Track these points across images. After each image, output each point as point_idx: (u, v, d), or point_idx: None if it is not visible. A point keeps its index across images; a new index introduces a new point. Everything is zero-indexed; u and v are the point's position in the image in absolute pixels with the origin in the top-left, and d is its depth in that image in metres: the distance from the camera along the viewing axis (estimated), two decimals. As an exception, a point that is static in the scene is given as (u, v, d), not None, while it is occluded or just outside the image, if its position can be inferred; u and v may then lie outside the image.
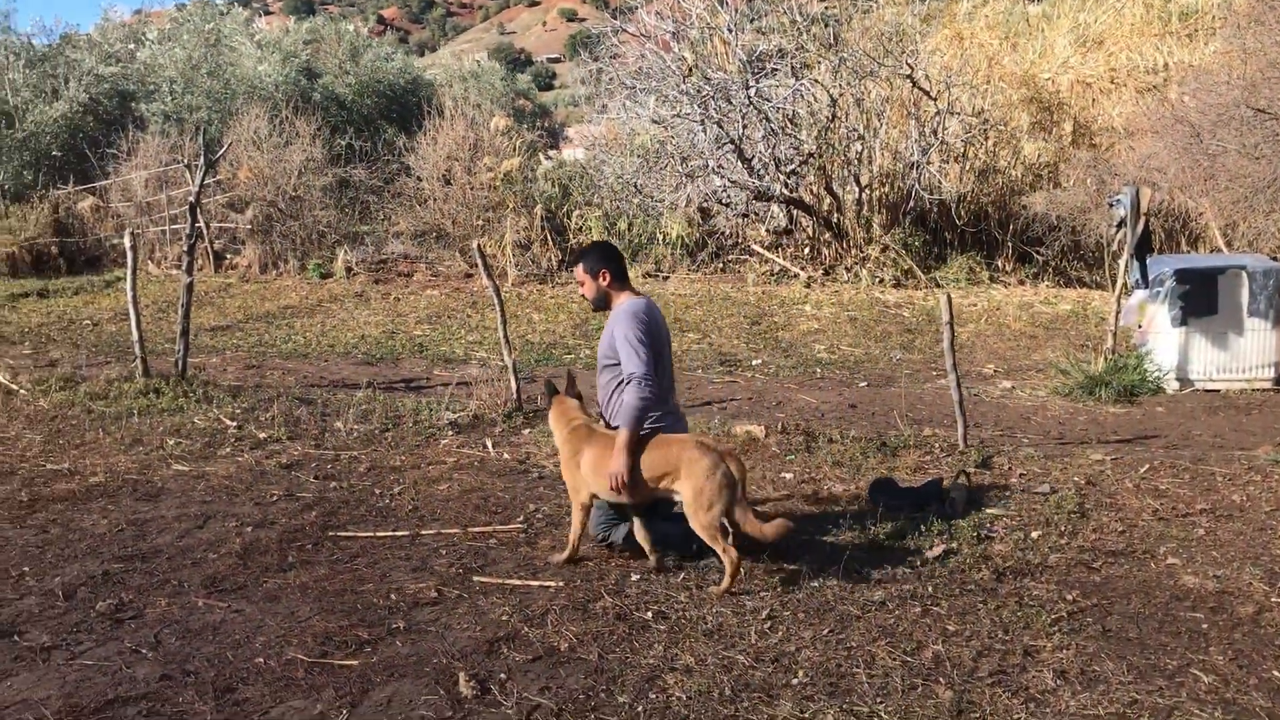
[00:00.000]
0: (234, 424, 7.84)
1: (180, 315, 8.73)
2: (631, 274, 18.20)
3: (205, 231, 18.50)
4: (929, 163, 17.49)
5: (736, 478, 4.79)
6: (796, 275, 18.04)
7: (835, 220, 18.64)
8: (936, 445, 7.11)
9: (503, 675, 4.10)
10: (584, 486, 5.10)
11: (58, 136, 21.35)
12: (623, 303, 5.29)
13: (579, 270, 5.40)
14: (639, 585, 4.99)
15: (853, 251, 18.64)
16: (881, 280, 17.63)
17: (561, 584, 5.01)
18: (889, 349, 11.67)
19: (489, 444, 7.52)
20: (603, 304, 5.39)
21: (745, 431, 7.41)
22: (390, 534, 5.71)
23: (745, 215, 19.30)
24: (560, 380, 5.57)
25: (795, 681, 4.03)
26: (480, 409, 8.11)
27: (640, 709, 3.83)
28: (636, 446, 4.93)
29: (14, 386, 8.64)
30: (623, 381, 5.08)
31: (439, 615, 4.69)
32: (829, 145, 18.09)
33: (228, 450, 7.35)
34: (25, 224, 17.99)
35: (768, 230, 19.25)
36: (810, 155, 17.98)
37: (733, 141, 17.28)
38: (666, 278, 18.35)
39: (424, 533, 5.72)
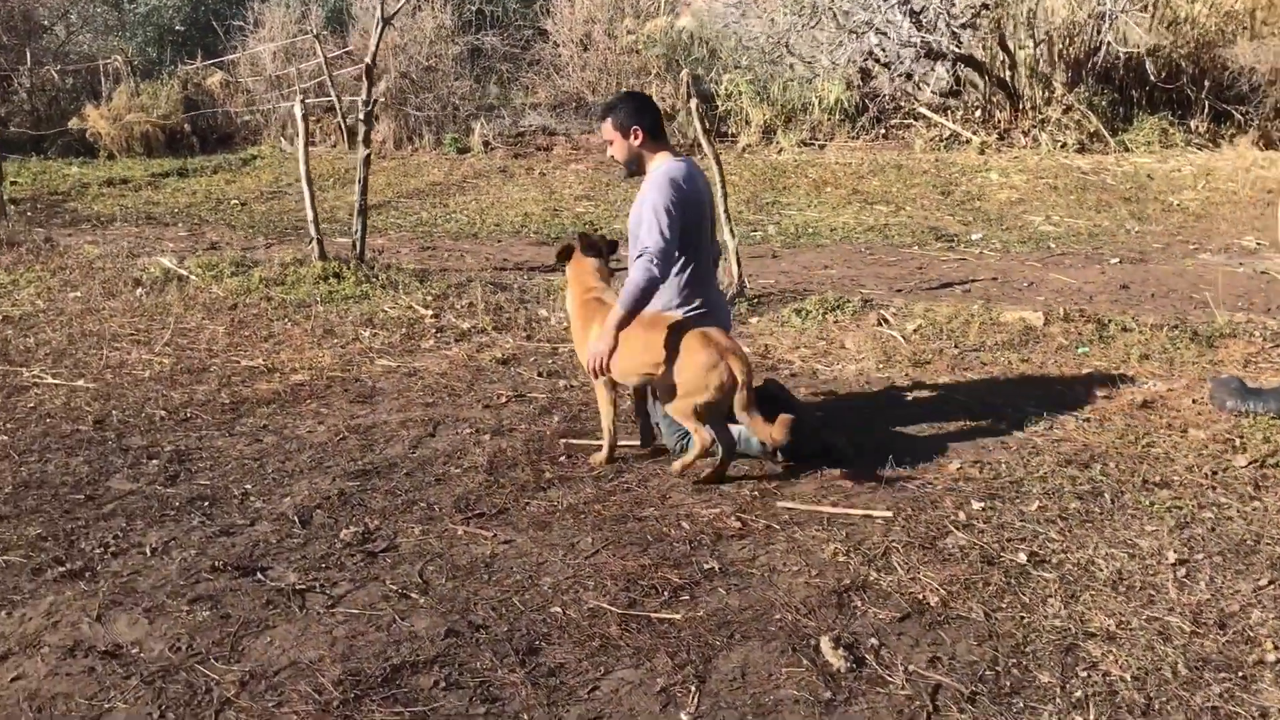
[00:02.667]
0: (430, 313, 7.07)
1: (358, 191, 7.92)
2: (785, 141, 17.07)
3: (338, 105, 17.70)
4: (1124, 10, 15.70)
5: (740, 379, 4.22)
6: (968, 140, 16.59)
7: (1010, 79, 17.04)
8: (1258, 334, 5.97)
9: (873, 640, 3.24)
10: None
11: (180, 10, 20.58)
12: (659, 165, 4.53)
13: (606, 126, 4.60)
14: (987, 514, 4.05)
15: (1030, 113, 17.07)
16: (1064, 144, 16.10)
17: (890, 513, 4.09)
18: (1119, 220, 10.38)
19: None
20: (636, 167, 4.64)
21: (1019, 319, 6.38)
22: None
23: (908, 76, 17.79)
24: (574, 240, 4.81)
25: (1271, 658, 3.07)
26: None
27: (1079, 694, 2.93)
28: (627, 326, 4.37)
29: (183, 272, 7.95)
30: (639, 255, 4.34)
31: (754, 552, 3.84)
32: (1008, -7, 16.41)
33: (431, 343, 6.58)
34: (156, 101, 17.36)
35: (933, 92, 17.73)
36: (984, 6, 16.32)
37: (901, -8, 15.74)
38: (823, 145, 17.04)
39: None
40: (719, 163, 7.36)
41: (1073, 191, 11.95)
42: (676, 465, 4.50)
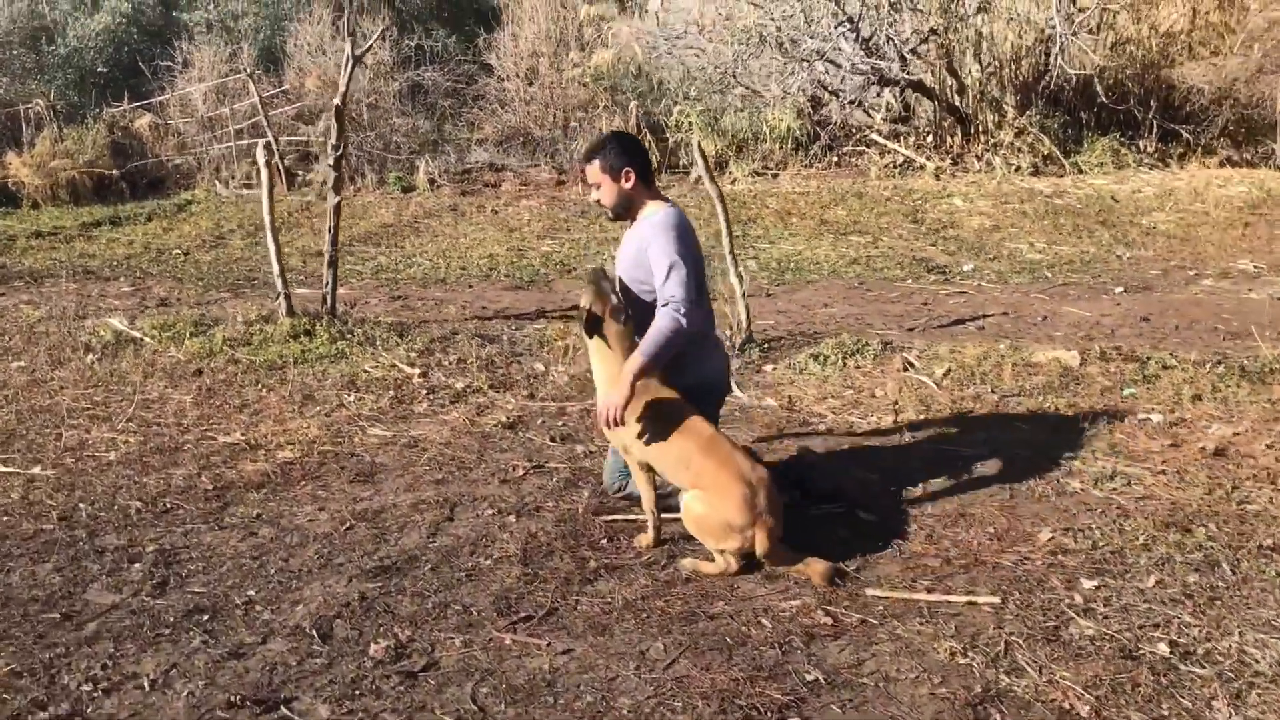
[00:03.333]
0: (417, 371, 6.51)
1: (328, 241, 7.36)
2: (738, 172, 16.75)
3: (274, 146, 17.02)
4: (1074, 34, 15.67)
5: (763, 548, 3.92)
6: (922, 166, 16.43)
7: (959, 104, 16.93)
8: (1311, 369, 5.66)
9: (1032, 766, 2.75)
10: (634, 445, 4.15)
11: (102, 51, 19.72)
12: (655, 213, 4.22)
13: (593, 169, 4.25)
14: (1104, 595, 3.62)
15: (981, 138, 16.97)
16: (1018, 168, 15.99)
17: (997, 598, 3.64)
18: (1104, 246, 10.15)
19: (733, 386, 6.12)
20: (625, 212, 4.31)
21: (1053, 359, 5.99)
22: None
23: (857, 103, 17.63)
24: (598, 302, 4.18)
25: None
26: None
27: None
28: (641, 384, 4.04)
29: (137, 334, 7.29)
30: (664, 305, 4.04)
31: (857, 655, 3.37)
32: (956, 18, 16.29)
33: (424, 406, 6.03)
34: (82, 147, 16.50)
35: (883, 119, 17.57)
36: (932, 31, 16.21)
37: (850, 20, 15.53)
38: (776, 175, 16.75)
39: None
40: (724, 202, 6.90)
41: (1044, 216, 11.75)
42: (696, 566, 4.06)
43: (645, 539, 4.24)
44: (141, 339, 7.30)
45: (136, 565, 4.21)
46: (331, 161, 7.21)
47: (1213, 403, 5.38)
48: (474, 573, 4.07)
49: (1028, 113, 16.58)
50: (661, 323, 4.00)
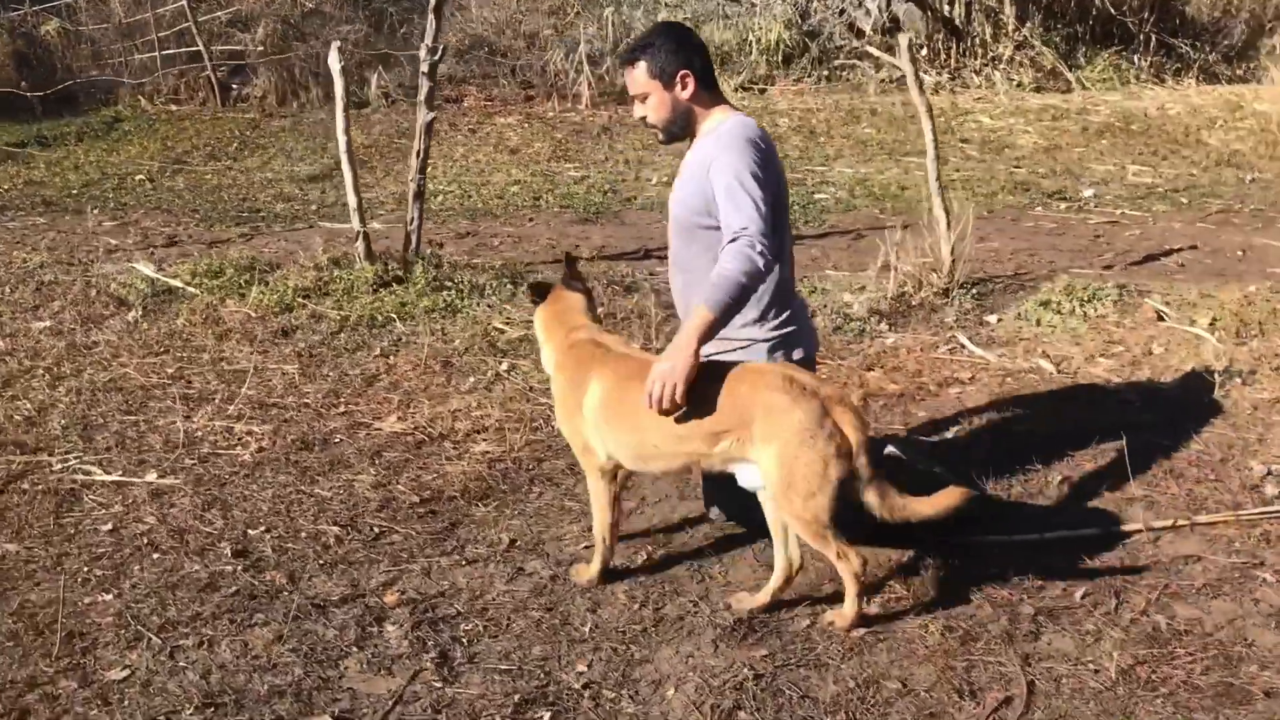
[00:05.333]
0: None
1: (415, 167, 5.98)
2: (724, 87, 15.56)
3: (205, 55, 15.14)
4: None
5: (855, 441, 2.81)
6: (920, 81, 15.39)
7: (954, 15, 16.02)
8: None
9: None
10: (596, 439, 3.08)
11: (-11, -57, 17.28)
12: (723, 122, 3.24)
13: (638, 75, 3.26)
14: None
15: (978, 51, 16.09)
16: (1020, 84, 15.17)
17: None
18: (1204, 167, 9.35)
19: (962, 338, 5.09)
20: (683, 129, 3.32)
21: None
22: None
23: (842, 13, 16.59)
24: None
25: None
26: (902, 284, 5.61)
27: None
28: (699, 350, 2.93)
29: (177, 283, 5.87)
30: (733, 239, 3.01)
31: None
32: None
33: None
34: (-19, 56, 14.35)
35: (873, 30, 16.53)
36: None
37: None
38: (764, 90, 15.59)
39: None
40: (931, 112, 5.78)
41: (1101, 135, 10.94)
42: (838, 618, 3.02)
43: (592, 570, 3.23)
44: (185, 289, 5.86)
45: (391, 628, 3.01)
46: (426, 68, 5.80)
47: None
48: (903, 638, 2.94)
49: (1027, 25, 15.75)
50: (731, 264, 2.96)
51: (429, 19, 5.80)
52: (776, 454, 2.84)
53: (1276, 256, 6.47)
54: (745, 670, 2.81)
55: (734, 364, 3.03)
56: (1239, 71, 16.10)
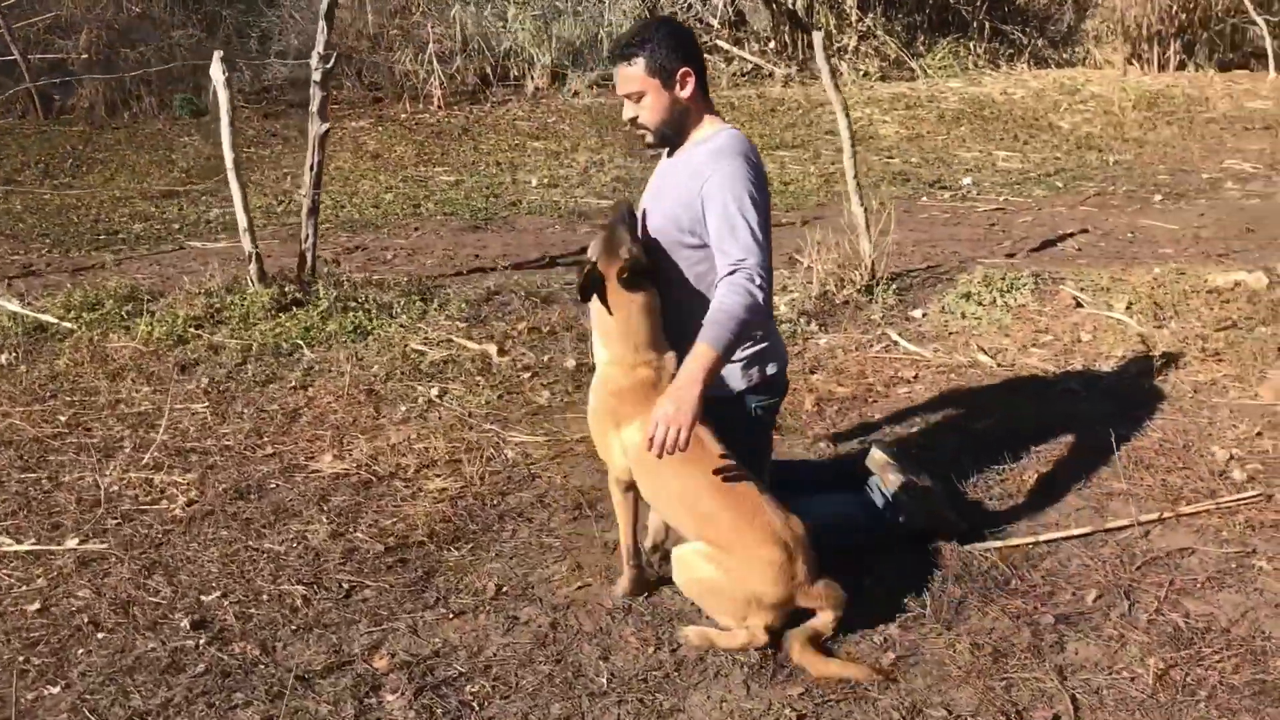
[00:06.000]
0: (493, 348, 5.03)
1: (309, 182, 5.63)
2: (579, 84, 15.42)
3: (23, 65, 14.18)
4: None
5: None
6: (770, 74, 15.68)
7: (797, 8, 16.27)
8: None
9: None
10: (619, 466, 3.03)
11: None
12: (715, 135, 3.06)
13: (633, 72, 3.02)
14: None
15: (825, 43, 16.34)
16: (866, 73, 15.52)
17: None
18: (1065, 151, 9.69)
19: (894, 335, 5.09)
20: (675, 133, 3.09)
21: (1234, 283, 5.29)
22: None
23: (689, 7, 16.68)
24: (623, 228, 3.04)
25: None
26: (824, 282, 5.58)
27: None
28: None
29: (49, 319, 5.38)
30: (731, 272, 2.87)
31: None
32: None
33: (548, 396, 4.61)
34: None
35: (720, 24, 16.67)
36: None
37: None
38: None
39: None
40: (845, 107, 5.75)
41: (957, 122, 11.23)
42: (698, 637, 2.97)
43: (624, 584, 3.15)
44: (59, 325, 5.38)
45: (390, 697, 2.78)
46: (319, 77, 5.45)
47: None
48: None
49: (869, 15, 16.11)
50: (732, 298, 2.82)
51: (319, 25, 5.47)
52: (742, 576, 2.84)
53: (1164, 236, 6.69)
54: (787, 711, 2.67)
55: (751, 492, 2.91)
56: (1065, 55, 16.84)
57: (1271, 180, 8.43)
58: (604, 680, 2.82)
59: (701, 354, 2.79)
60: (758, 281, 2.83)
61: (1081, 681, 2.76)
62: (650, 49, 3.01)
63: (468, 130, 12.04)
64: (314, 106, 5.53)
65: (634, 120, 3.10)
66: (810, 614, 2.87)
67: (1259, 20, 14.71)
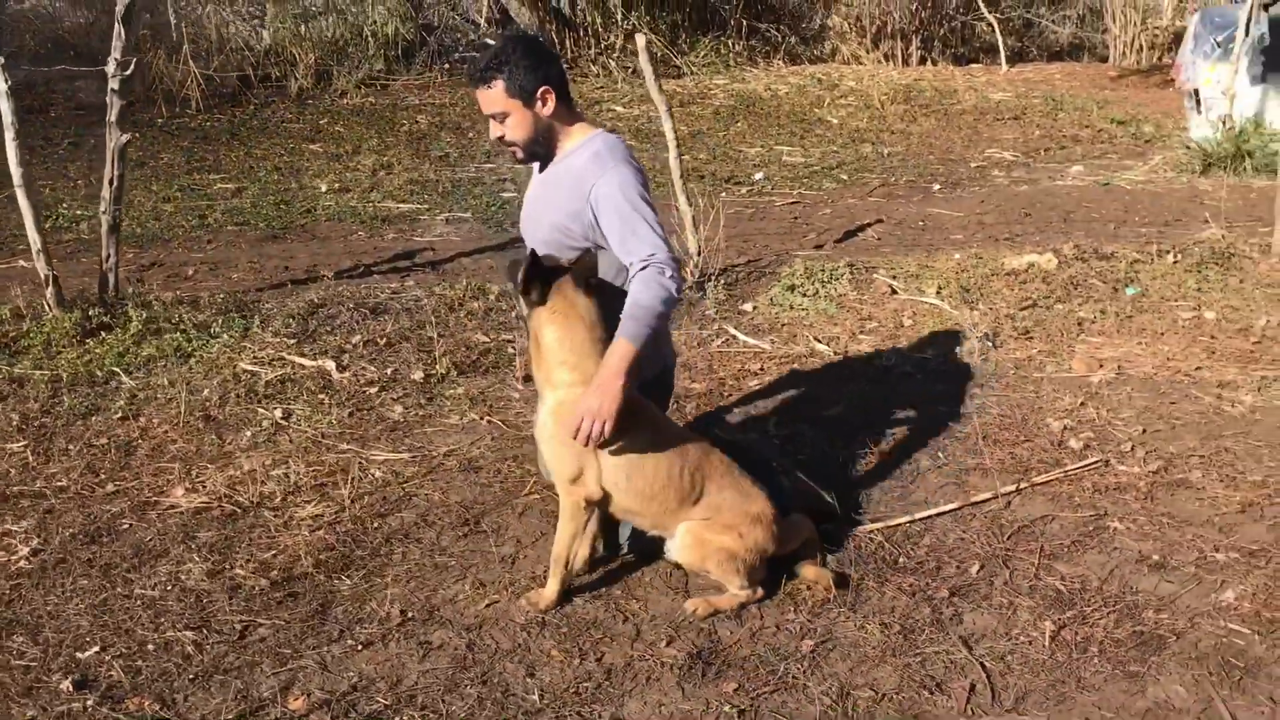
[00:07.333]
0: (331, 364, 4.88)
1: (108, 198, 5.27)
2: (345, 84, 15.03)
3: None
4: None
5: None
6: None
7: (561, 6, 16.42)
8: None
9: None
10: (592, 488, 3.07)
11: None
12: (591, 142, 3.16)
13: (493, 94, 3.08)
14: None
15: (590, 41, 16.61)
16: (634, 71, 15.78)
17: None
18: (842, 145, 10.20)
19: (731, 329, 5.27)
20: (544, 147, 3.20)
21: (1029, 264, 5.77)
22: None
23: (454, 6, 16.58)
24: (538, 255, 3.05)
25: None
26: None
27: None
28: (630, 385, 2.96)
29: None
30: (643, 268, 2.98)
31: None
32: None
33: (401, 410, 4.52)
34: None
35: (486, 21, 16.62)
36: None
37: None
38: (385, 85, 15.22)
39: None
40: (670, 112, 5.85)
41: (735, 119, 11.60)
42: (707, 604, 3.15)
43: (549, 595, 3.15)
44: None
45: (324, 739, 2.62)
46: (116, 85, 5.09)
47: (1220, 292, 5.42)
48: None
49: (634, 13, 16.40)
50: (646, 292, 2.91)
51: (116, 28, 5.08)
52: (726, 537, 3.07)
53: (951, 223, 7.15)
54: (725, 708, 2.72)
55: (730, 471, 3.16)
56: (816, 51, 17.67)
57: (1032, 167, 9.15)
58: (535, 697, 2.78)
59: (620, 348, 2.89)
60: (669, 274, 2.92)
61: (986, 649, 2.94)
62: (508, 71, 3.03)
63: (235, 134, 11.50)
64: (112, 116, 5.16)
65: (501, 139, 3.14)
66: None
67: (990, 18, 15.90)
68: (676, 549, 3.11)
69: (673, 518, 3.10)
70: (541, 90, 3.06)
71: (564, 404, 2.97)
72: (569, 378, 2.97)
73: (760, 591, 3.13)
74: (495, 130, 3.13)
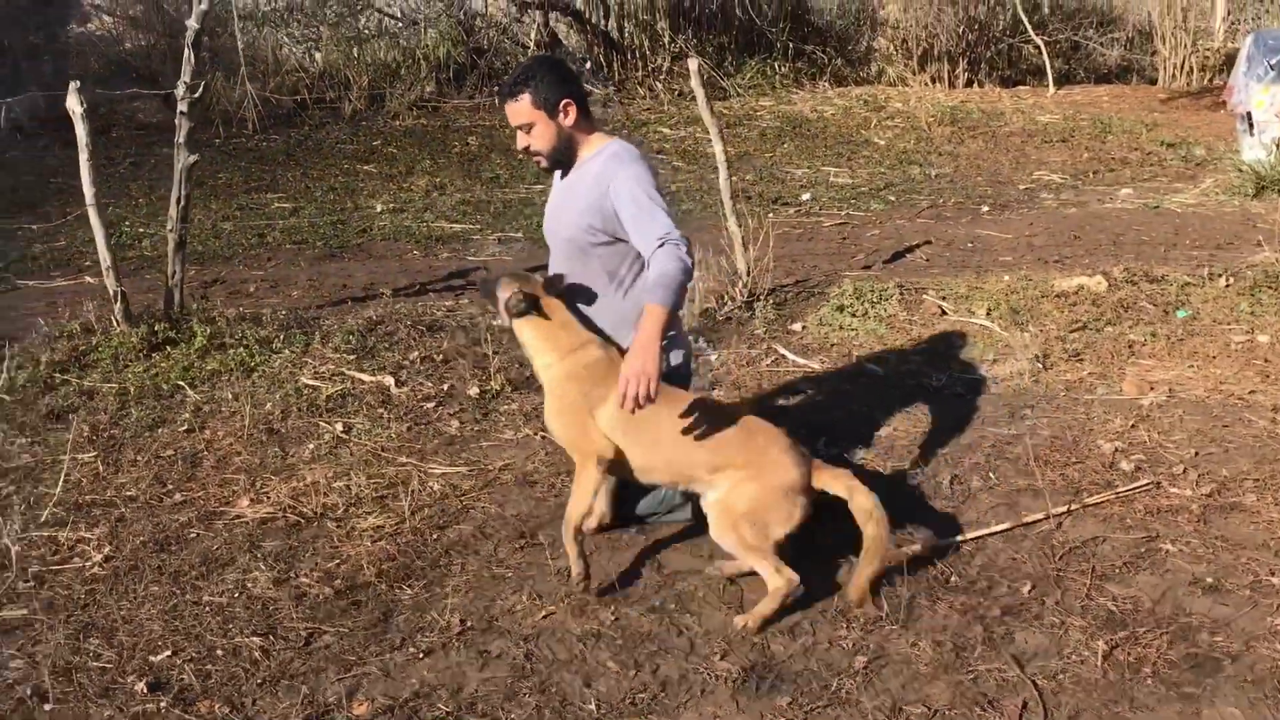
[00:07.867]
0: (390, 380, 4.97)
1: (175, 216, 5.42)
2: (397, 105, 15.24)
3: None
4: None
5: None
6: (591, 94, 15.85)
7: (609, 29, 16.59)
8: (1308, 275, 5.90)
9: None
10: (600, 445, 3.29)
11: None
12: (607, 147, 3.51)
13: (521, 107, 3.42)
14: None
15: (638, 64, 16.75)
16: (680, 93, 15.92)
17: None
18: (890, 165, 10.23)
19: (781, 349, 5.32)
20: (566, 156, 3.53)
21: (1079, 286, 5.77)
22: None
23: (505, 30, 16.83)
24: (522, 271, 3.64)
25: None
26: (705, 299, 5.77)
27: None
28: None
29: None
30: (660, 245, 3.26)
31: None
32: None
33: (458, 426, 4.61)
34: None
35: (536, 45, 16.81)
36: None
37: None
38: (436, 108, 15.42)
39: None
40: (722, 135, 5.94)
41: (782, 140, 11.66)
42: (750, 617, 3.19)
43: (576, 574, 3.33)
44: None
45: (383, 743, 2.69)
46: (185, 108, 5.25)
47: (1275, 315, 5.38)
48: None
49: (681, 36, 16.53)
50: (670, 263, 3.18)
51: (185, 53, 5.25)
52: (759, 488, 3.18)
53: (1001, 245, 7.17)
54: (779, 721, 2.76)
55: (754, 420, 3.36)
56: (862, 73, 17.71)
57: (1080, 189, 9.13)
58: (593, 707, 2.84)
59: (655, 313, 3.14)
60: (684, 249, 3.18)
61: (1038, 668, 2.96)
62: (534, 85, 3.39)
63: (291, 155, 11.73)
64: (180, 137, 5.32)
65: (527, 149, 3.49)
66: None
67: (1037, 40, 15.88)
68: (708, 504, 3.26)
69: (692, 471, 3.25)
70: (564, 103, 3.41)
71: (554, 379, 3.30)
72: (550, 358, 3.31)
73: (795, 578, 3.14)
74: (522, 140, 3.47)
